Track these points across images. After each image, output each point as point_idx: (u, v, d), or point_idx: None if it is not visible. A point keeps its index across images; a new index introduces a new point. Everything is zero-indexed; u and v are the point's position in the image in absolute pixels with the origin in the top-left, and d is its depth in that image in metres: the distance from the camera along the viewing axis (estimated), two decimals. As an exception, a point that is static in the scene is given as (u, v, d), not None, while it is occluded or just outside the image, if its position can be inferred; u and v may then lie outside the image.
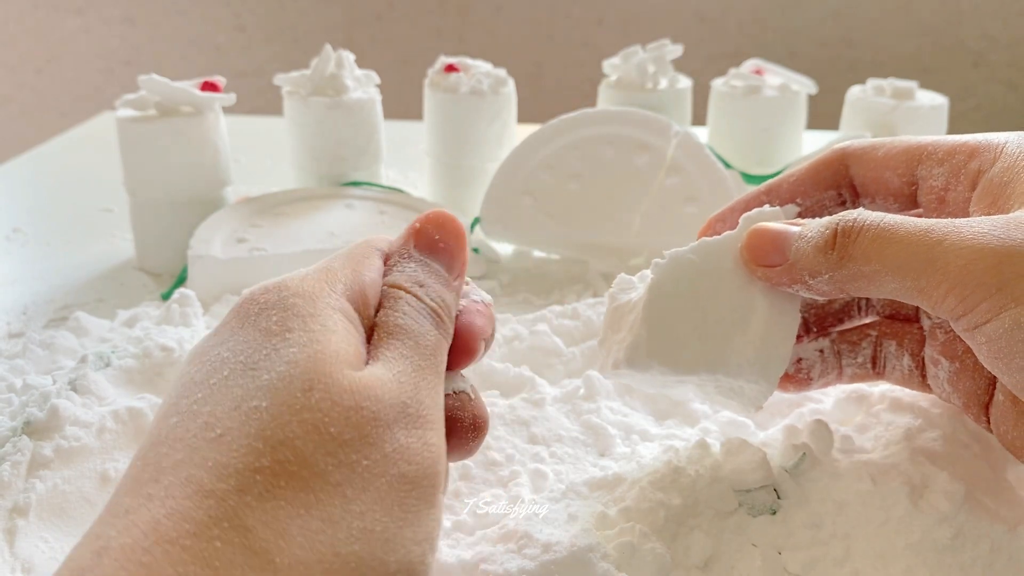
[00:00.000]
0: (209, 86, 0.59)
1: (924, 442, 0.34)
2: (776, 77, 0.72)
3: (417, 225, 0.29)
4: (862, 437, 0.36)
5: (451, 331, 0.28)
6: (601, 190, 0.58)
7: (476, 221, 0.60)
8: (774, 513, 0.32)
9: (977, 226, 0.27)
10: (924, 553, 0.30)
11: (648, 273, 0.33)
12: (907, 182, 0.33)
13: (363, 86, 0.65)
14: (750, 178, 0.67)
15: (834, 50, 1.66)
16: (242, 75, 1.76)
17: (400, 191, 0.64)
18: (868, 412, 0.37)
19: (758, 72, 0.74)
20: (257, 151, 0.83)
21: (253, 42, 1.78)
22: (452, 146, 0.65)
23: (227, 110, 0.60)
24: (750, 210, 0.34)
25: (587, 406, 0.40)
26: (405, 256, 0.29)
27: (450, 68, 0.66)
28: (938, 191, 0.32)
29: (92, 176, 0.78)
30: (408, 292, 0.27)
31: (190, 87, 0.57)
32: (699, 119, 0.74)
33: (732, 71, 0.73)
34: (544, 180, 0.58)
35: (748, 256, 0.32)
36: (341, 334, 0.25)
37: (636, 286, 0.33)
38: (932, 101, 0.68)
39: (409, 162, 0.78)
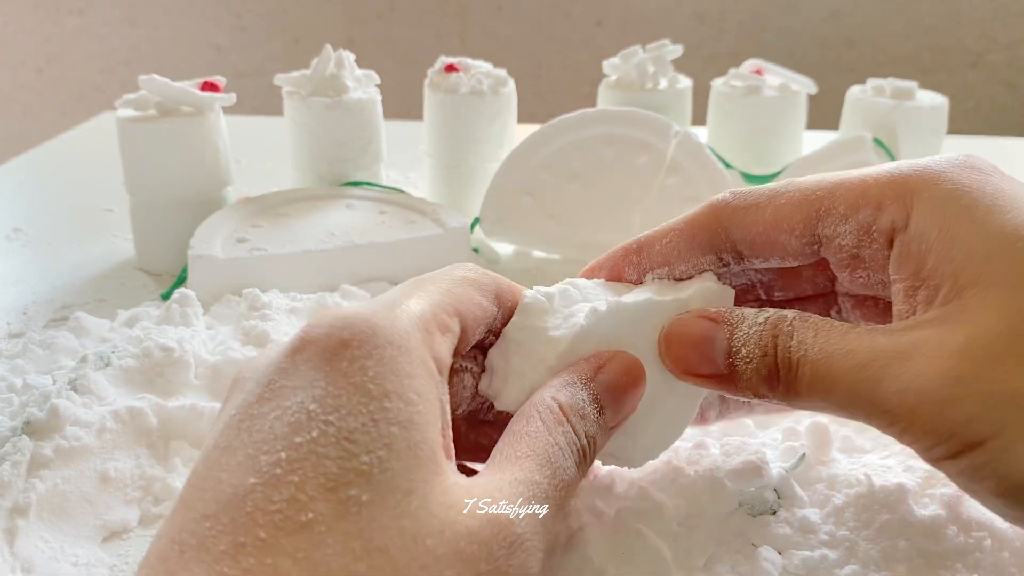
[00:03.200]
0: (209, 86, 0.59)
1: (924, 442, 0.34)
2: (776, 77, 0.72)
3: (606, 363, 0.28)
4: (861, 437, 0.36)
5: (587, 469, 0.27)
6: (601, 190, 0.58)
7: (476, 221, 0.60)
8: (774, 513, 0.32)
9: (915, 357, 0.24)
10: (926, 554, 0.30)
11: (571, 291, 0.30)
12: (807, 243, 0.29)
13: (363, 86, 0.65)
14: (750, 178, 0.67)
15: (834, 50, 1.66)
16: (242, 75, 1.77)
17: (400, 191, 0.64)
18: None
19: (758, 72, 0.74)
20: (257, 151, 0.83)
21: (253, 42, 1.78)
22: (452, 146, 0.65)
23: (227, 110, 0.60)
24: (619, 270, 0.32)
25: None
26: (579, 380, 0.28)
27: (450, 68, 0.66)
28: (849, 249, 0.28)
29: (92, 176, 0.78)
30: (568, 420, 0.26)
31: (190, 87, 0.57)
32: (699, 119, 0.74)
33: (732, 71, 0.73)
34: (544, 180, 0.58)
35: (671, 363, 0.29)
36: (434, 413, 0.23)
37: (556, 311, 0.30)
38: (932, 101, 0.68)
39: (409, 162, 0.78)
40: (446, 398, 0.25)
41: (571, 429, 0.26)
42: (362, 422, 0.22)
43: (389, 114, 0.67)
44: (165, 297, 0.53)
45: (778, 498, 0.32)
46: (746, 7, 1.66)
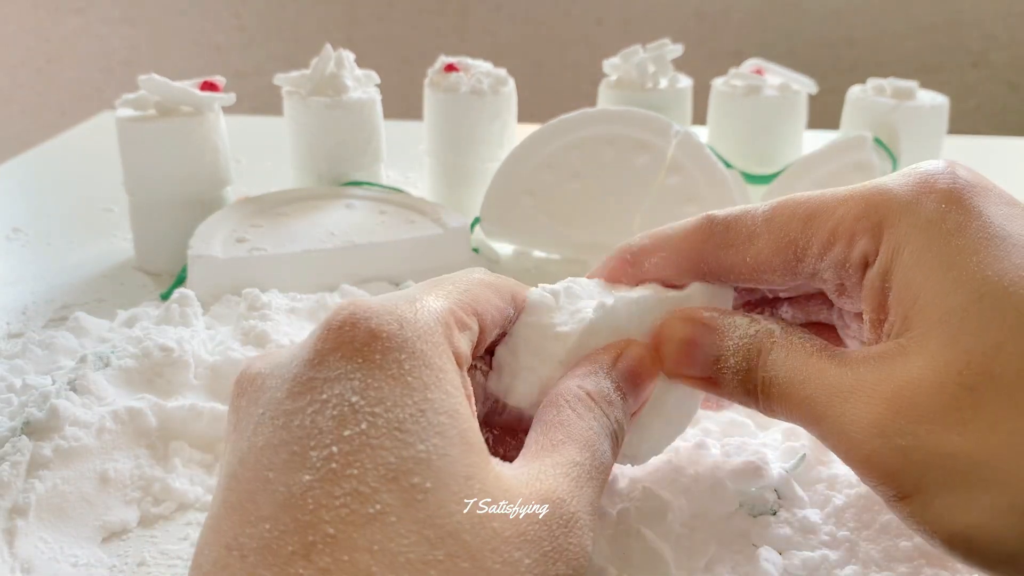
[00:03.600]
0: (209, 86, 0.59)
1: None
2: (776, 77, 0.72)
3: (623, 352, 0.29)
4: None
5: (618, 454, 0.28)
6: (601, 190, 0.58)
7: (476, 221, 0.60)
8: (774, 514, 0.32)
9: (851, 399, 0.24)
10: (927, 554, 0.30)
11: (574, 287, 0.31)
12: (791, 278, 0.29)
13: (363, 86, 0.65)
14: (750, 178, 0.67)
15: (834, 50, 1.66)
16: (242, 75, 1.77)
17: (400, 191, 0.64)
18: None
19: (758, 72, 0.73)
20: (257, 151, 0.83)
21: (253, 42, 1.78)
22: (452, 146, 0.65)
23: (227, 110, 0.60)
24: (615, 279, 0.32)
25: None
26: (601, 369, 0.28)
27: (450, 68, 0.66)
28: (832, 282, 0.28)
29: (92, 176, 0.78)
30: (597, 405, 0.27)
31: (190, 87, 0.57)
32: (699, 119, 0.74)
33: (732, 71, 0.73)
34: (544, 180, 0.58)
35: (664, 363, 0.30)
36: (468, 404, 0.24)
37: (562, 308, 0.30)
38: (932, 101, 0.68)
39: (409, 162, 0.78)
40: (471, 392, 0.25)
41: (602, 414, 0.27)
42: (410, 412, 0.22)
43: (389, 114, 0.67)
44: (164, 297, 0.53)
45: (778, 498, 0.32)
46: (747, 6, 1.66)
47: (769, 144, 0.70)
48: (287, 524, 0.20)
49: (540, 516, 0.22)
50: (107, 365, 0.40)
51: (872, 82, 0.70)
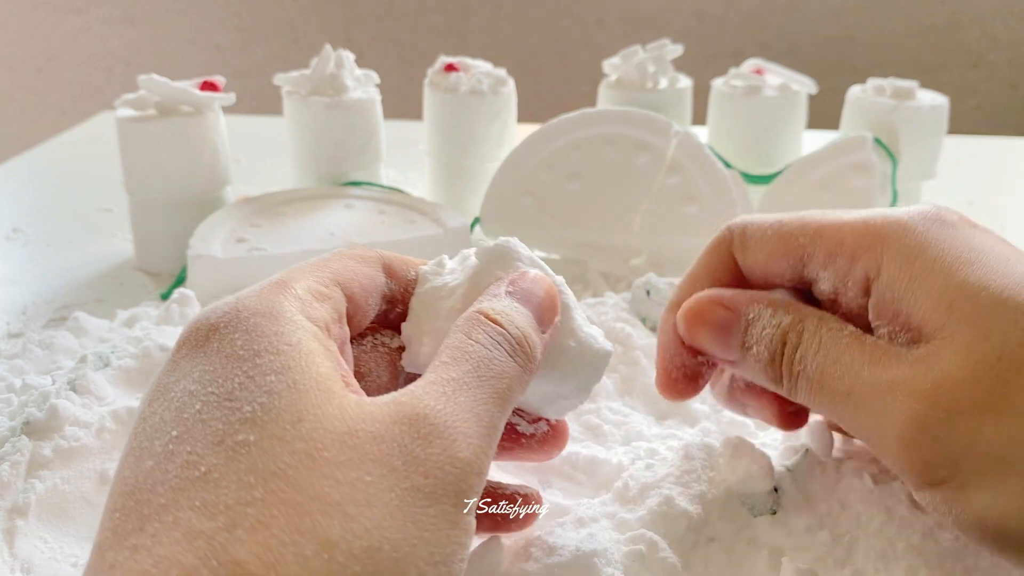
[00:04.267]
0: (209, 86, 0.59)
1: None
2: (776, 77, 0.72)
3: (515, 276, 0.28)
4: (862, 437, 0.36)
5: (533, 368, 0.27)
6: (601, 190, 0.58)
7: (476, 221, 0.60)
8: (775, 513, 0.32)
9: (889, 396, 0.27)
10: (926, 554, 0.30)
11: (469, 254, 0.30)
12: (799, 281, 0.32)
13: (363, 86, 0.65)
14: (750, 178, 0.67)
15: (834, 50, 1.66)
16: (242, 75, 1.77)
17: (400, 191, 0.64)
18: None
19: (758, 72, 0.73)
20: (257, 151, 0.83)
21: (253, 42, 1.78)
22: (452, 146, 0.65)
23: (227, 110, 0.60)
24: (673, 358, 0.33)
25: (587, 406, 0.39)
26: (498, 290, 0.28)
27: (450, 68, 0.66)
28: (829, 293, 0.31)
29: (92, 176, 0.78)
30: (489, 319, 0.26)
31: (189, 87, 0.57)
32: (699, 119, 0.74)
33: (732, 71, 0.73)
34: (544, 180, 0.58)
35: (688, 339, 0.32)
36: (313, 353, 0.24)
37: (453, 269, 0.30)
38: (932, 101, 0.68)
39: (409, 162, 0.78)
40: (333, 347, 0.25)
41: (494, 326, 0.26)
42: (239, 382, 0.23)
43: (389, 114, 0.67)
44: (164, 297, 0.53)
45: (779, 498, 0.32)
46: (746, 6, 1.66)
47: (769, 144, 0.70)
48: (130, 508, 0.21)
49: (387, 435, 0.22)
50: (107, 365, 0.40)
51: (872, 82, 0.70)
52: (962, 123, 1.01)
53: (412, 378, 0.30)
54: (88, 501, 0.34)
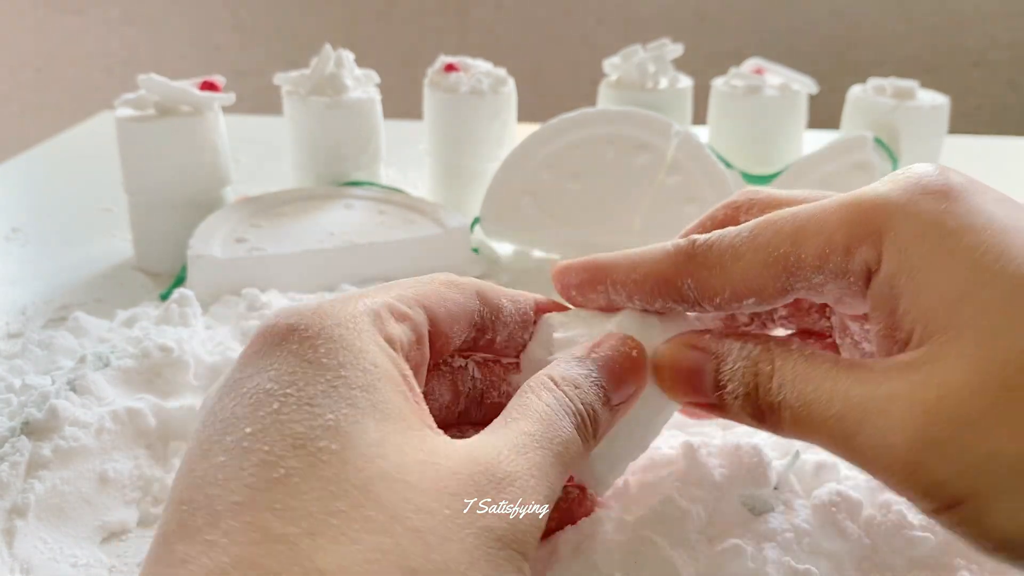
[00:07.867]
0: (208, 86, 0.58)
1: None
2: (777, 76, 0.72)
3: (602, 342, 0.28)
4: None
5: (592, 443, 0.27)
6: (601, 190, 0.58)
7: (476, 221, 0.60)
8: (774, 511, 0.32)
9: (887, 414, 0.23)
10: (924, 553, 0.30)
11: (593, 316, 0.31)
12: (781, 295, 0.28)
13: (363, 86, 0.65)
14: (750, 178, 0.67)
15: (834, 50, 1.66)
16: (242, 75, 1.76)
17: (400, 191, 0.63)
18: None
19: (759, 71, 0.73)
20: (257, 151, 0.83)
21: (252, 42, 1.78)
22: (452, 146, 0.65)
23: (227, 110, 0.60)
24: (587, 291, 0.31)
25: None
26: (572, 358, 0.27)
27: (450, 68, 0.66)
28: (834, 295, 0.27)
29: (92, 176, 0.78)
30: (559, 388, 0.26)
31: (189, 86, 0.57)
32: (699, 119, 0.74)
33: (732, 70, 0.73)
34: (544, 180, 0.58)
35: (666, 390, 0.29)
36: (396, 380, 0.24)
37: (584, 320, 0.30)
38: (933, 101, 0.68)
39: (409, 162, 0.78)
40: (409, 373, 0.25)
41: (564, 395, 0.26)
42: (322, 388, 0.22)
43: (389, 114, 0.67)
44: (164, 297, 0.53)
45: (778, 496, 0.32)
46: (747, 6, 1.66)
47: (769, 144, 0.70)
48: (199, 502, 0.21)
49: (464, 473, 0.22)
50: (106, 365, 0.40)
51: (872, 82, 0.70)
52: (962, 123, 1.01)
53: (473, 400, 0.31)
54: (88, 501, 0.34)
